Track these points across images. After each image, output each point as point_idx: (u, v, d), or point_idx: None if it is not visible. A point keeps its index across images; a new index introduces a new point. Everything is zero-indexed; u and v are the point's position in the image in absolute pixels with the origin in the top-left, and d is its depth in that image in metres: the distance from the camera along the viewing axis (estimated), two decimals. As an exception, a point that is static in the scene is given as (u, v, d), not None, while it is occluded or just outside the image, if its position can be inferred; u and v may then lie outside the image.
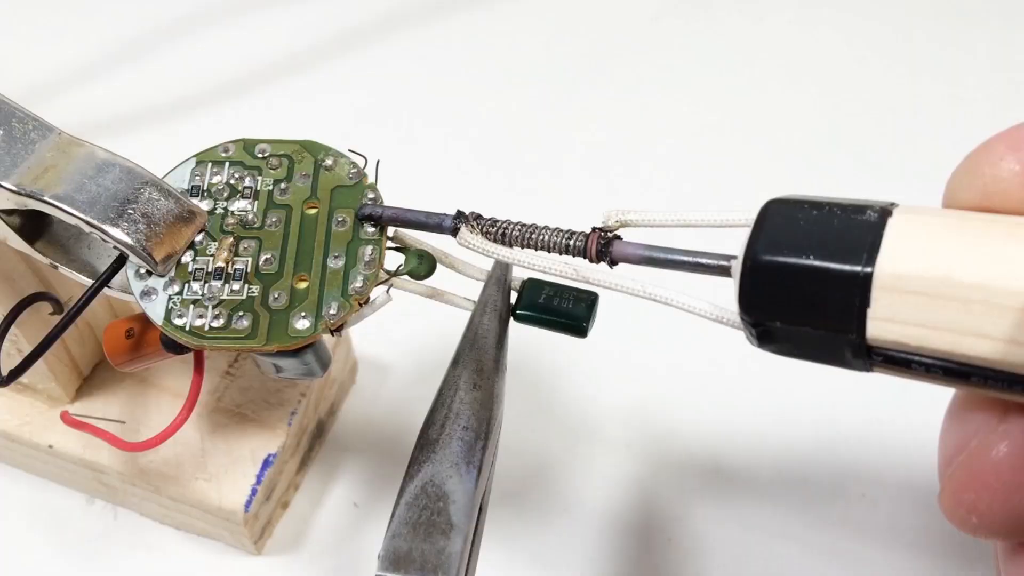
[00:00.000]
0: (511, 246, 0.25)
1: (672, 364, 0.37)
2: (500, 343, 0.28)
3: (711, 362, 0.38)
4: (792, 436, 0.36)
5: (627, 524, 0.34)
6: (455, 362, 0.27)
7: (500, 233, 0.25)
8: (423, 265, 0.27)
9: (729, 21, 0.49)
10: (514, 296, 0.28)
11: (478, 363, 0.27)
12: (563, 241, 0.25)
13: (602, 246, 0.24)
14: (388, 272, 0.26)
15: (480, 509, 0.26)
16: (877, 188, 0.43)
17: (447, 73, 0.48)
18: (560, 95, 0.47)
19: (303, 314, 0.25)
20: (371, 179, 0.27)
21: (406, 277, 0.27)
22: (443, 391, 0.27)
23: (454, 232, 0.26)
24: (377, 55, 0.48)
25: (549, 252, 0.25)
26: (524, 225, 0.25)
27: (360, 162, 0.27)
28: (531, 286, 0.29)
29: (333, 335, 0.25)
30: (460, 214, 0.26)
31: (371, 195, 0.27)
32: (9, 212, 0.26)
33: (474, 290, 0.28)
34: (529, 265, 0.25)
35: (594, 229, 0.24)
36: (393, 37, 0.49)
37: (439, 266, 0.28)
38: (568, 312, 0.28)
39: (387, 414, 0.37)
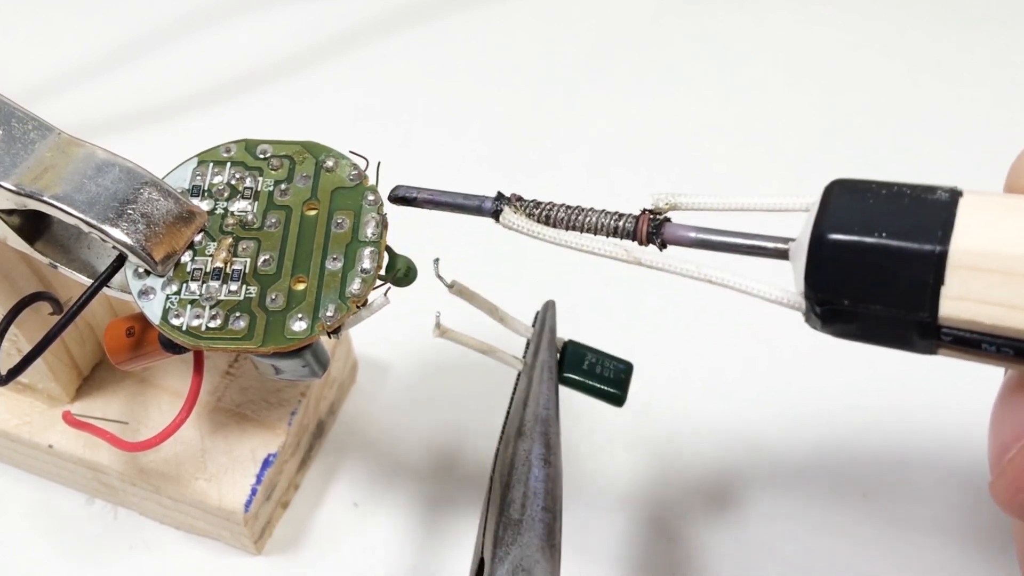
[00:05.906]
0: (556, 227, 0.24)
1: (673, 365, 0.37)
2: (558, 414, 0.28)
3: (712, 363, 0.38)
4: (793, 436, 0.36)
5: (627, 524, 0.34)
6: (521, 433, 0.27)
7: (544, 215, 0.24)
8: (408, 277, 0.27)
9: (729, 21, 0.49)
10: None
11: (545, 436, 0.27)
12: (612, 223, 0.24)
13: (653, 228, 0.23)
14: (383, 278, 0.26)
15: None
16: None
17: (447, 73, 0.48)
18: (560, 95, 0.47)
19: (300, 316, 0.25)
20: (372, 181, 0.27)
21: (451, 328, 0.27)
22: (516, 466, 0.27)
23: (496, 215, 0.25)
24: (377, 55, 0.48)
25: (596, 234, 0.24)
26: (570, 207, 0.24)
27: (361, 164, 0.27)
28: (573, 349, 0.29)
29: (330, 337, 0.25)
30: (501, 196, 0.25)
31: (371, 197, 0.27)
32: (9, 212, 0.26)
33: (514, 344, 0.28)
34: (579, 247, 0.24)
35: (644, 211, 0.23)
36: (393, 37, 0.49)
37: (489, 321, 0.28)
38: (609, 380, 0.29)
39: (387, 414, 0.37)
